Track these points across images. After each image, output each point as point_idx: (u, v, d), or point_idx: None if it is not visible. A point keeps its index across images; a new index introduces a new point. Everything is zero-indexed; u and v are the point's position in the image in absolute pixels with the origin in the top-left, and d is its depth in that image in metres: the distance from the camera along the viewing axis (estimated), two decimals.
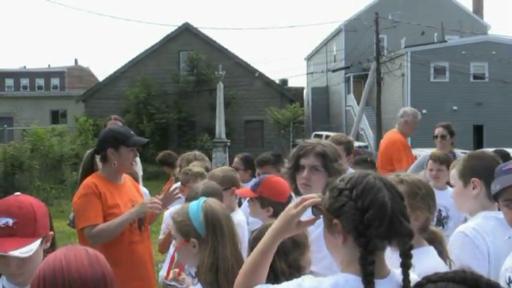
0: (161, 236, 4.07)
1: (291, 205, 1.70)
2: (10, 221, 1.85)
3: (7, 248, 1.81)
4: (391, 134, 6.50)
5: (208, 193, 2.89)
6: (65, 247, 1.45)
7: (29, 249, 1.85)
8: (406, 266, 1.57)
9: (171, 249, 3.17)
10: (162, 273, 2.97)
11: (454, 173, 2.64)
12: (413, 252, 1.58)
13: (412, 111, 6.43)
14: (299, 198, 1.70)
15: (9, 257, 1.83)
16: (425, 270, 1.78)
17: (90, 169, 3.52)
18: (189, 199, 3.09)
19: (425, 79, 29.53)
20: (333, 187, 1.62)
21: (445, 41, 31.61)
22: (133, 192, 3.60)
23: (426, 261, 1.97)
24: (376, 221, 1.52)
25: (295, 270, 2.03)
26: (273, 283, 1.68)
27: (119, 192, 3.44)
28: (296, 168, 2.76)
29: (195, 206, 2.23)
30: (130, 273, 3.19)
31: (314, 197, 1.66)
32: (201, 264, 2.14)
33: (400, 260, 1.59)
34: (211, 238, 2.15)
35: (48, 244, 2.00)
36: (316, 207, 1.65)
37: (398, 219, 1.55)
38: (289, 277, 1.86)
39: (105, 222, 3.27)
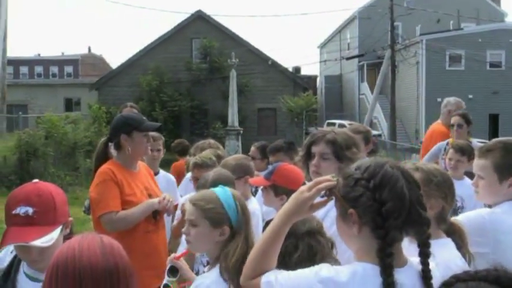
0: (175, 222, 4.06)
1: (303, 187, 1.65)
2: (30, 210, 1.84)
3: (28, 238, 1.80)
4: (435, 126, 6.40)
5: (218, 181, 2.86)
6: (81, 235, 1.43)
7: (50, 238, 1.84)
8: (425, 254, 1.54)
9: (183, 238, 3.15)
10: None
11: (485, 164, 2.48)
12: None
13: (456, 101, 6.29)
14: (313, 181, 1.66)
15: (30, 246, 1.83)
16: (441, 264, 1.75)
17: (103, 157, 3.49)
18: (199, 187, 3.07)
19: (441, 67, 29.20)
20: (348, 175, 1.58)
21: (461, 29, 31.20)
22: (148, 180, 3.58)
23: (442, 254, 1.91)
24: (394, 212, 1.49)
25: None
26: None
27: (134, 180, 3.43)
28: (308, 156, 2.72)
29: (224, 194, 2.22)
30: (144, 262, 3.18)
31: (328, 179, 1.61)
32: (231, 253, 2.12)
33: (417, 250, 1.56)
34: (246, 228, 2.16)
35: (68, 230, 1.99)
36: (331, 192, 1.61)
37: (416, 209, 1.51)
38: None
39: (123, 211, 3.25)
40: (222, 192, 2.24)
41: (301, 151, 2.83)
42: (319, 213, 2.21)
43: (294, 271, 1.61)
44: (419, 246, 1.55)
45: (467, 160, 4.22)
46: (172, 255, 2.66)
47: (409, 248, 1.61)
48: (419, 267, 1.55)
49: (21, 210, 1.84)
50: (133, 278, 1.39)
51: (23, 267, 1.98)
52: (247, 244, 2.13)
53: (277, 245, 1.68)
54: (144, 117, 3.61)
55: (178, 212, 4.04)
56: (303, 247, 1.93)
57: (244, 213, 2.21)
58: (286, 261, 1.86)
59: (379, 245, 1.48)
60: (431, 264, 1.56)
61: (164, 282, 2.62)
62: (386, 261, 1.46)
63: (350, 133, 2.84)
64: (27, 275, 1.96)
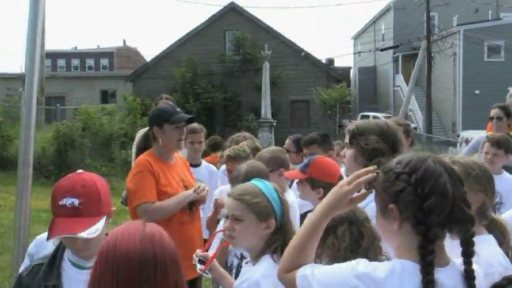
0: (209, 214, 4.07)
1: (343, 181, 1.63)
2: (76, 202, 1.88)
3: (75, 229, 1.84)
4: None
5: (251, 174, 2.85)
6: (128, 222, 1.45)
7: (96, 229, 1.88)
8: (468, 254, 1.49)
9: (220, 226, 3.16)
10: (210, 252, 2.97)
11: None
12: None
13: None
14: (352, 174, 1.63)
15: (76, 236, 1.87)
16: (482, 261, 1.69)
17: (143, 149, 3.56)
18: (233, 179, 3.07)
19: (479, 58, 28.44)
20: (388, 170, 1.53)
21: (500, 19, 30.28)
22: (184, 172, 3.61)
23: (484, 251, 1.86)
24: (437, 208, 1.44)
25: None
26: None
27: (170, 171, 3.46)
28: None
29: (266, 187, 2.21)
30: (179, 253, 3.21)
31: (370, 170, 1.58)
32: (264, 246, 2.15)
33: (459, 248, 1.50)
34: (286, 221, 2.17)
35: (111, 220, 2.03)
36: (371, 185, 1.58)
37: (459, 206, 1.46)
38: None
39: (159, 201, 3.29)
40: (263, 185, 2.23)
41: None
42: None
43: (330, 265, 1.59)
44: (462, 244, 1.50)
45: (504, 153, 4.09)
46: (198, 250, 2.66)
47: (451, 245, 1.56)
48: (462, 267, 1.49)
49: (67, 201, 1.88)
50: (174, 268, 1.40)
51: (68, 254, 2.02)
52: (288, 237, 2.11)
53: (316, 238, 1.66)
54: (178, 109, 3.62)
55: (211, 204, 4.06)
56: (366, 233, 1.92)
57: (287, 205, 2.22)
58: (354, 248, 1.85)
59: (420, 241, 1.44)
60: (475, 265, 1.51)
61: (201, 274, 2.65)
62: (427, 258, 1.42)
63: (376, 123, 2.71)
64: (71, 262, 2.01)
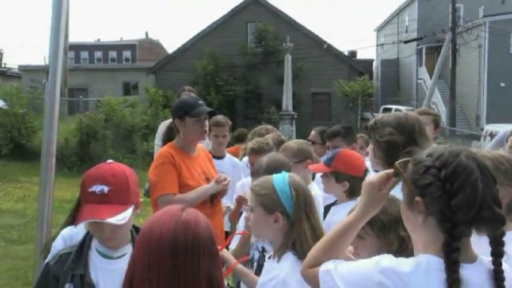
0: (232, 206, 4.07)
1: (374, 181, 1.62)
2: (105, 189, 1.90)
3: (103, 215, 1.85)
4: None
5: (272, 167, 2.81)
6: (168, 208, 1.45)
7: (124, 216, 1.89)
8: (497, 254, 1.44)
9: (241, 222, 3.14)
10: (232, 245, 2.95)
11: None
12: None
13: None
14: (383, 173, 1.63)
15: (104, 223, 1.88)
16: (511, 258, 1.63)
17: (167, 140, 3.58)
18: (254, 172, 3.04)
19: (505, 51, 27.89)
20: (418, 162, 1.49)
21: None
22: (206, 164, 3.60)
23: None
24: (464, 207, 1.39)
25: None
26: None
27: (192, 163, 3.45)
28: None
29: (281, 180, 2.18)
30: None
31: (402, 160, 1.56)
32: (279, 240, 2.11)
33: (488, 245, 1.45)
34: (299, 215, 2.11)
35: (138, 211, 2.04)
36: (400, 173, 1.54)
37: (489, 206, 1.40)
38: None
39: (180, 194, 3.29)
40: (279, 178, 2.20)
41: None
42: None
43: (354, 261, 1.56)
44: (491, 244, 1.45)
45: None
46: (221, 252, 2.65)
47: (478, 242, 1.51)
48: (490, 265, 1.45)
49: (97, 188, 1.90)
50: (207, 258, 1.38)
51: (95, 244, 2.03)
52: (313, 229, 2.11)
53: (349, 239, 1.65)
54: (201, 101, 3.59)
55: (234, 196, 4.05)
56: None
57: (302, 199, 2.15)
58: (399, 251, 1.82)
59: (445, 239, 1.40)
60: (505, 265, 1.46)
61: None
62: (452, 256, 1.38)
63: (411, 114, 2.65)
64: (99, 252, 2.02)
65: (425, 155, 1.50)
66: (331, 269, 1.54)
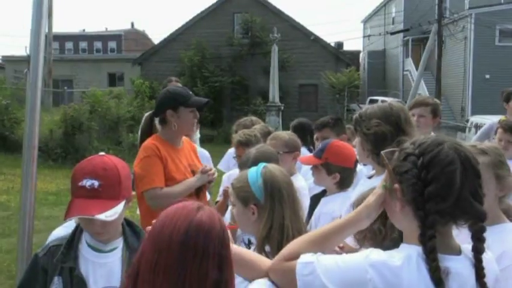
0: (218, 199, 4.03)
1: (370, 198, 1.57)
2: (96, 183, 1.85)
3: (93, 211, 1.81)
4: None
5: (260, 158, 2.78)
6: (184, 203, 1.38)
7: (114, 212, 1.85)
8: (477, 251, 1.42)
9: (227, 215, 3.12)
10: None
11: None
12: (491, 228, 1.42)
13: None
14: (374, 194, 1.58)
15: (94, 219, 1.84)
16: (508, 251, 1.63)
17: (149, 132, 3.47)
18: (241, 165, 3.01)
19: (490, 42, 28.08)
20: (401, 149, 1.48)
21: None
22: (191, 156, 3.54)
23: (508, 240, 1.79)
24: (438, 196, 1.36)
25: None
26: None
27: (178, 156, 3.38)
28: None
29: (254, 172, 2.12)
30: None
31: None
32: (258, 232, 2.04)
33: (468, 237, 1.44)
34: (270, 205, 2.03)
35: (130, 204, 1.99)
36: (384, 162, 1.52)
37: (467, 199, 1.37)
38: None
39: (167, 187, 3.23)
40: (253, 170, 2.14)
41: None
42: None
43: (340, 256, 1.48)
44: (472, 239, 1.43)
45: None
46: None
47: (457, 235, 1.49)
48: (473, 256, 1.44)
49: (87, 182, 1.85)
50: (217, 263, 1.31)
51: (85, 237, 2.00)
52: (274, 223, 2.00)
53: (335, 241, 1.59)
54: (191, 92, 3.54)
55: (220, 189, 4.02)
56: None
57: (275, 190, 2.05)
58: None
59: (419, 228, 1.39)
60: (489, 255, 1.45)
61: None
62: (428, 244, 1.35)
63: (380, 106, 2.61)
64: (89, 245, 1.99)
65: (409, 143, 1.48)
66: (314, 261, 1.44)
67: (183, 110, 3.33)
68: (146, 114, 3.57)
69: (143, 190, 3.22)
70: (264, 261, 1.65)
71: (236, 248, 1.63)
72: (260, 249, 2.00)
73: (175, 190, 3.22)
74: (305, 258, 1.47)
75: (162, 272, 1.28)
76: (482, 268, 1.41)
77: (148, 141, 3.34)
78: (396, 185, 1.43)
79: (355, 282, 1.38)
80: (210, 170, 3.43)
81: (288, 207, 2.03)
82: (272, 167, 2.14)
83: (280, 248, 1.92)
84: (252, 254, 1.72)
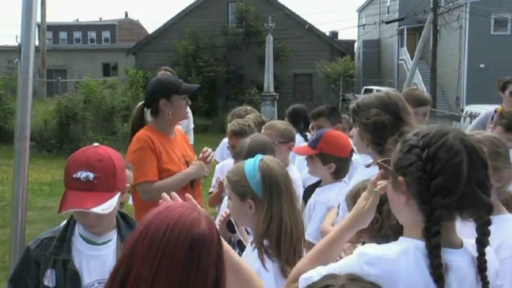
0: (211, 189, 4.02)
1: (362, 198, 1.59)
2: (91, 175, 1.81)
3: (88, 204, 1.78)
4: None
5: (256, 148, 2.75)
6: (185, 208, 1.31)
7: (109, 205, 1.83)
8: (481, 244, 1.39)
9: (223, 204, 3.10)
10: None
11: None
12: (492, 219, 1.40)
13: None
14: (368, 187, 1.59)
15: (89, 212, 1.81)
16: (506, 242, 1.62)
17: (140, 123, 3.40)
18: (236, 155, 2.99)
19: (485, 32, 28.07)
20: (404, 141, 1.43)
21: None
22: (184, 146, 3.51)
23: (506, 231, 1.77)
24: (445, 189, 1.32)
25: None
26: None
27: (172, 146, 3.34)
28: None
29: (251, 165, 2.08)
30: None
31: (381, 176, 1.53)
32: (256, 227, 2.02)
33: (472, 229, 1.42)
34: (269, 201, 2.00)
35: (125, 196, 1.97)
36: (383, 167, 1.51)
37: (474, 191, 1.33)
38: None
39: (161, 180, 3.19)
40: (250, 163, 2.10)
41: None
42: None
43: (337, 262, 1.49)
44: (477, 231, 1.40)
45: None
46: (223, 212, 2.55)
47: (462, 229, 1.47)
48: (475, 251, 1.41)
49: (82, 174, 1.82)
50: (213, 263, 1.27)
51: (79, 229, 1.97)
52: (272, 217, 1.98)
53: (335, 252, 1.60)
54: (181, 80, 3.49)
55: (213, 180, 4.00)
56: None
57: (273, 184, 2.03)
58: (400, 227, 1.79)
59: (424, 222, 1.35)
60: (489, 250, 1.43)
61: (236, 239, 2.55)
62: (432, 240, 1.32)
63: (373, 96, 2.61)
64: (82, 237, 1.96)
65: (412, 134, 1.44)
66: (313, 275, 1.43)
67: (176, 98, 3.30)
68: (137, 106, 3.51)
69: (136, 183, 3.17)
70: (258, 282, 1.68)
71: (234, 261, 1.62)
72: (259, 244, 1.98)
73: (168, 183, 3.17)
74: (306, 274, 1.47)
75: (165, 275, 1.23)
76: (485, 261, 1.38)
77: (142, 133, 3.29)
78: (400, 178, 1.39)
79: None
80: (208, 151, 3.40)
81: (286, 201, 2.01)
82: (269, 159, 2.10)
83: (278, 242, 1.91)
84: (249, 271, 1.71)
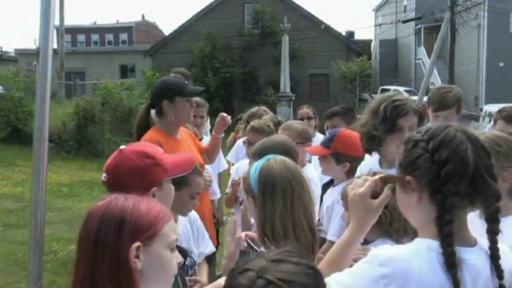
0: (227, 190, 4.03)
1: (364, 192, 1.59)
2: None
3: None
4: None
5: (269, 150, 2.71)
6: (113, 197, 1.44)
7: None
8: (493, 232, 1.39)
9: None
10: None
11: None
12: (502, 220, 1.40)
13: None
14: (370, 181, 1.59)
15: None
16: None
17: (146, 123, 3.38)
18: (252, 154, 3.00)
19: (504, 30, 27.72)
20: (408, 140, 1.46)
21: None
22: (189, 146, 3.47)
23: None
24: (455, 176, 1.34)
25: None
26: None
27: (179, 147, 3.31)
28: (391, 129, 2.55)
29: (256, 164, 2.09)
30: None
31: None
32: (256, 225, 2.04)
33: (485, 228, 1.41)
34: (262, 200, 1.99)
35: None
36: (383, 178, 1.55)
37: (482, 177, 1.36)
38: None
39: None
40: (258, 162, 2.10)
41: (386, 124, 2.58)
42: None
43: (351, 268, 1.49)
44: (487, 221, 1.41)
45: None
46: (243, 234, 2.52)
47: (475, 230, 1.46)
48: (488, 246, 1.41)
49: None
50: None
51: None
52: (265, 216, 1.96)
53: (349, 256, 1.61)
54: (187, 82, 3.49)
55: (230, 180, 4.01)
56: None
57: (263, 184, 2.00)
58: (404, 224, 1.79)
59: (437, 211, 1.36)
60: (504, 248, 1.42)
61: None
62: (445, 229, 1.33)
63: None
64: None
65: (416, 132, 1.48)
66: (327, 282, 1.40)
67: (179, 100, 3.28)
68: (142, 106, 3.51)
69: None
70: None
71: None
72: (261, 240, 1.99)
73: None
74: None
75: None
76: (497, 249, 1.39)
77: (150, 136, 3.24)
78: (409, 177, 1.41)
79: (368, 283, 1.37)
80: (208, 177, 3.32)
81: (282, 203, 1.96)
82: (276, 160, 2.06)
83: (275, 242, 1.89)
84: None
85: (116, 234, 1.33)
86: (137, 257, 1.34)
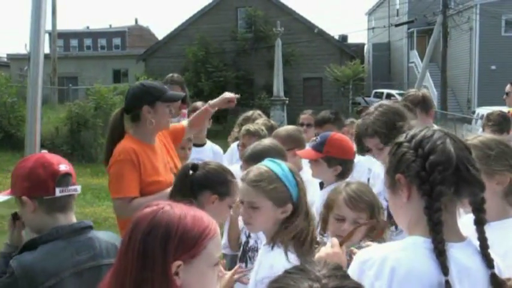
0: None
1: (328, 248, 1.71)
2: None
3: None
4: None
5: (268, 154, 2.72)
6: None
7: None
8: (479, 222, 1.45)
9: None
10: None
11: None
12: (497, 224, 1.41)
13: None
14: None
15: None
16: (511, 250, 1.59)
17: (120, 129, 3.16)
18: (245, 157, 3.00)
19: (496, 33, 27.89)
20: (394, 144, 1.56)
21: None
22: (163, 153, 3.27)
23: None
24: (439, 165, 1.42)
25: None
26: None
27: (155, 155, 3.14)
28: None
29: (282, 171, 2.09)
30: None
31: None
32: (291, 228, 2.04)
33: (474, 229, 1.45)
34: (303, 203, 2.06)
35: None
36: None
37: (465, 167, 1.43)
38: None
39: (138, 199, 2.96)
40: (278, 168, 2.10)
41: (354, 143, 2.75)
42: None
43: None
44: (473, 212, 1.47)
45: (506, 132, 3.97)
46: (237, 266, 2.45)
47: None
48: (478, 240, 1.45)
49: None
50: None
51: None
52: (308, 218, 2.06)
53: None
54: (166, 86, 3.32)
55: None
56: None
57: (302, 188, 2.10)
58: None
59: (425, 201, 1.41)
60: (494, 256, 1.45)
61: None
62: (434, 216, 1.38)
63: (389, 108, 2.70)
64: None
65: (399, 137, 1.58)
66: None
67: (160, 105, 3.09)
68: (116, 111, 3.35)
69: (114, 197, 3.02)
70: None
71: None
72: (290, 243, 2.08)
73: (143, 203, 2.90)
74: None
75: None
76: (486, 239, 1.44)
77: (125, 145, 3.05)
78: (397, 175, 1.49)
79: None
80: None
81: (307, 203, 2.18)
82: (290, 165, 2.21)
83: (306, 237, 2.07)
84: None
85: (163, 249, 1.31)
86: (177, 273, 1.31)
